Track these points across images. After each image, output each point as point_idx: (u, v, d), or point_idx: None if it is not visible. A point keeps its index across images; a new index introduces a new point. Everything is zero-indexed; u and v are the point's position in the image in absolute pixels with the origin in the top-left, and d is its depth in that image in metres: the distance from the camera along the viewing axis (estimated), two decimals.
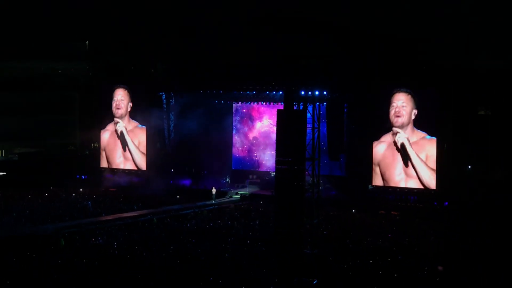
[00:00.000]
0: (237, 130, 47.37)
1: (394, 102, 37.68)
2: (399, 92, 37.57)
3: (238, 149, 47.39)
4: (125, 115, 46.07)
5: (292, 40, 41.77)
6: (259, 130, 46.71)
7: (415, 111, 37.22)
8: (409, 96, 37.34)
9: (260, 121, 46.58)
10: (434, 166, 36.60)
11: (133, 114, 45.84)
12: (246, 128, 47.07)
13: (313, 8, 42.93)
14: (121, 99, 46.10)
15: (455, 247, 27.29)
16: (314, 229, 25.13)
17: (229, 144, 47.40)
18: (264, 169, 46.11)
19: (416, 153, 37.07)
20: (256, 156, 46.74)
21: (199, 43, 45.53)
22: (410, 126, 37.41)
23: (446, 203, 36.27)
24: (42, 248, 26.66)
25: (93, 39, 54.68)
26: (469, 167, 38.46)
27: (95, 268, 23.78)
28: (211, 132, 45.06)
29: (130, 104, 45.85)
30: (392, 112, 37.75)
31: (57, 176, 44.92)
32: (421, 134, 37.18)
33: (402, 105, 37.44)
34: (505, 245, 27.26)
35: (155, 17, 48.01)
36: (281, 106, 34.30)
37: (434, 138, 36.77)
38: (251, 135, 47.05)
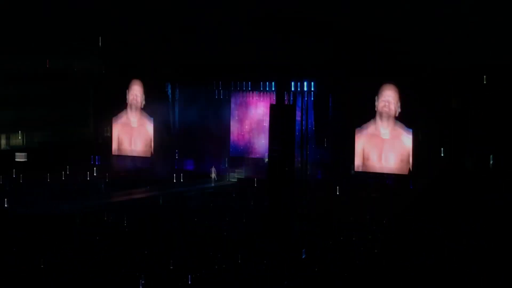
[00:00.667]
0: (234, 119, 47.40)
1: (383, 95, 37.66)
2: (388, 84, 37.51)
3: (235, 136, 47.49)
4: (139, 105, 46.48)
5: (291, 40, 41.25)
6: (254, 118, 46.68)
7: (399, 104, 37.51)
8: (397, 90, 37.46)
9: (255, 109, 46.55)
10: (411, 154, 37.10)
11: (143, 106, 46.38)
12: (242, 116, 47.09)
13: (312, 8, 42.00)
14: (137, 89, 46.48)
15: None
16: (302, 209, 25.54)
17: (228, 132, 47.54)
18: (258, 155, 46.23)
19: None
20: (251, 143, 46.86)
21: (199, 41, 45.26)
22: (393, 118, 37.73)
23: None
24: (60, 226, 27.10)
25: (105, 36, 54.33)
26: (442, 155, 38.72)
27: (108, 244, 24.22)
28: (211, 121, 45.40)
29: (144, 96, 46.31)
30: (381, 104, 37.69)
31: (73, 162, 45.16)
32: (401, 125, 37.49)
33: (390, 99, 37.54)
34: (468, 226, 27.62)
35: (154, 17, 47.48)
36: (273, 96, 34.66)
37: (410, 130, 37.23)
38: (247, 123, 47.09)
